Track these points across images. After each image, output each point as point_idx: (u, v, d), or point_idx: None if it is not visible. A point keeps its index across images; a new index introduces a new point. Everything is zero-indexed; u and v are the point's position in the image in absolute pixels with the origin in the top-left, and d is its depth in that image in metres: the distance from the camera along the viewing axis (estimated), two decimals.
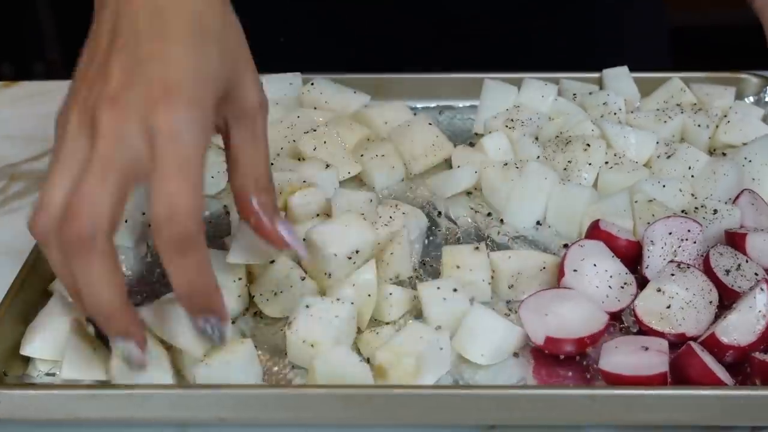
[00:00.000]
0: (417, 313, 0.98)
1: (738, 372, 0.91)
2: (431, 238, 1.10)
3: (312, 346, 0.91)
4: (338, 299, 0.94)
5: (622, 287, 0.98)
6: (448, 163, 1.21)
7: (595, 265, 0.98)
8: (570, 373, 0.92)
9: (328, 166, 1.13)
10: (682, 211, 1.06)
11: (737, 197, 1.08)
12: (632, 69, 1.30)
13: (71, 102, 0.81)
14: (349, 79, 1.30)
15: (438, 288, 0.96)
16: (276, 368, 0.94)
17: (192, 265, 0.79)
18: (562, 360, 0.93)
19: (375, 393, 0.87)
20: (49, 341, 0.92)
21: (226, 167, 0.88)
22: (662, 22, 1.52)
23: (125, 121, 0.77)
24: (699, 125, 1.20)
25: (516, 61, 1.33)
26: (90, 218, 0.76)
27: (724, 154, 1.18)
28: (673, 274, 0.96)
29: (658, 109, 1.24)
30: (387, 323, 0.98)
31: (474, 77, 1.30)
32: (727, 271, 0.98)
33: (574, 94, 1.28)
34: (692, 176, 1.13)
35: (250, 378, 0.90)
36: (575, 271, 0.98)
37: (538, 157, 1.16)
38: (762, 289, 0.91)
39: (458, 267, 1.00)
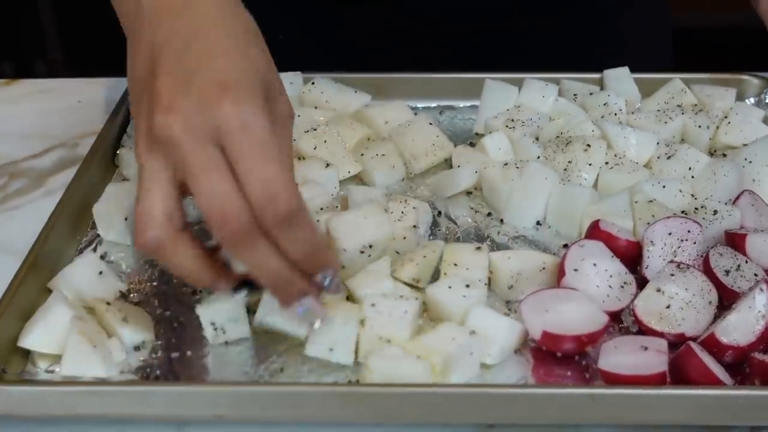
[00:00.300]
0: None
1: (737, 372, 0.91)
2: (431, 237, 1.10)
3: (389, 341, 0.91)
4: (402, 296, 0.95)
5: (623, 287, 0.98)
6: (448, 163, 1.21)
7: (595, 264, 0.98)
8: (569, 373, 0.92)
9: (328, 165, 1.14)
10: (682, 212, 1.06)
11: (737, 198, 1.08)
12: (634, 70, 1.31)
13: (136, 139, 0.84)
14: (349, 78, 1.30)
15: (449, 287, 0.96)
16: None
17: (306, 234, 0.83)
18: (561, 359, 0.93)
19: (373, 391, 0.87)
20: (47, 334, 0.92)
21: None
22: (665, 22, 1.52)
23: (194, 122, 0.80)
24: (700, 126, 1.20)
25: (517, 61, 1.33)
26: (232, 215, 0.80)
27: (724, 155, 1.18)
28: (672, 275, 0.96)
29: (658, 110, 1.24)
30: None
31: (475, 77, 1.30)
32: (727, 272, 0.98)
33: (575, 95, 1.28)
34: (692, 177, 1.13)
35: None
36: (576, 270, 0.98)
37: (539, 157, 1.16)
38: (761, 290, 0.91)
39: (456, 264, 1.00)
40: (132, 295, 1.01)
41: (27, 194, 1.21)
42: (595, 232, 1.03)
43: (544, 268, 1.01)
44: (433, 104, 1.33)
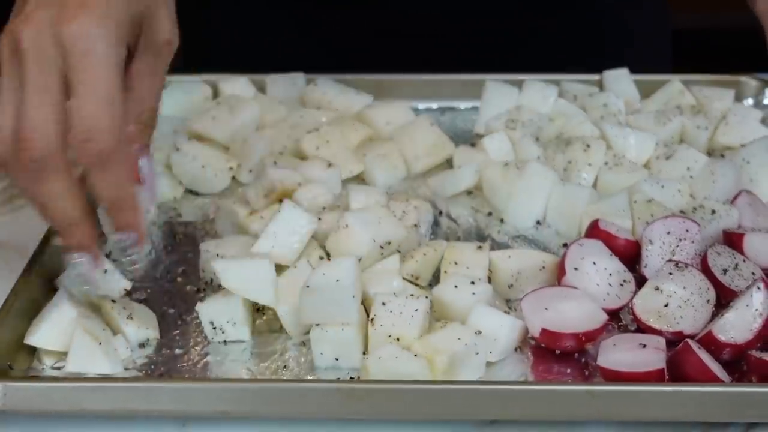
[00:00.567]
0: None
1: (734, 369, 0.92)
2: (432, 237, 1.11)
3: (398, 340, 0.91)
4: (412, 295, 0.95)
5: (622, 285, 0.99)
6: (449, 163, 1.22)
7: (594, 263, 0.99)
8: (568, 370, 0.93)
9: (330, 165, 1.15)
10: (681, 212, 1.07)
11: (735, 198, 1.09)
12: (633, 71, 1.32)
13: (4, 32, 0.84)
14: (351, 79, 1.31)
15: (456, 286, 0.97)
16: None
17: (113, 179, 0.84)
18: (560, 357, 0.94)
19: (375, 388, 0.88)
20: (53, 332, 0.93)
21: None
22: (664, 24, 1.53)
23: (41, 39, 0.81)
24: (698, 127, 1.21)
25: (517, 63, 1.34)
26: (39, 141, 0.80)
27: (722, 156, 1.19)
28: (671, 273, 0.97)
29: (657, 111, 1.25)
30: None
31: (476, 78, 1.31)
32: (725, 271, 0.99)
33: (575, 96, 1.29)
34: (691, 177, 1.14)
35: None
36: (576, 269, 0.99)
37: (539, 157, 1.17)
38: (758, 288, 0.92)
39: (456, 263, 1.01)
40: (136, 293, 1.02)
41: None
42: (594, 231, 1.04)
43: (543, 267, 1.02)
44: (435, 105, 1.34)
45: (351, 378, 0.92)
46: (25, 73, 0.81)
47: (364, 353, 0.93)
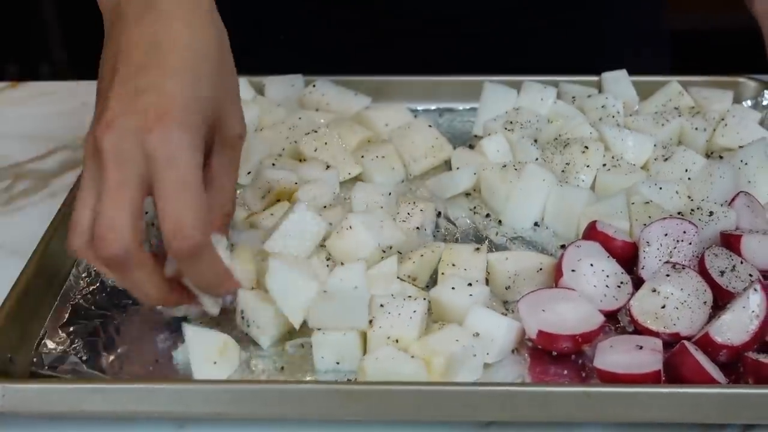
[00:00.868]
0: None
1: (731, 371, 0.92)
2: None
3: (397, 341, 0.92)
4: (410, 296, 0.96)
5: (619, 287, 0.99)
6: (447, 165, 1.22)
7: (591, 264, 0.99)
8: (565, 372, 0.93)
9: (328, 167, 1.15)
10: (679, 213, 1.07)
11: (733, 199, 1.09)
12: (631, 72, 1.32)
13: (86, 137, 0.89)
14: (350, 81, 1.32)
15: (453, 288, 0.97)
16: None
17: (205, 268, 0.89)
18: (557, 358, 0.94)
19: (373, 389, 0.88)
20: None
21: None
22: (662, 25, 1.53)
23: (123, 144, 0.85)
24: (696, 128, 1.21)
25: (516, 64, 1.34)
26: (117, 242, 0.84)
27: (720, 157, 1.19)
28: (668, 275, 0.97)
29: (656, 113, 1.25)
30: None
31: (474, 80, 1.31)
32: (722, 272, 0.99)
33: (573, 97, 1.29)
34: (689, 179, 1.14)
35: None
36: (573, 271, 0.99)
37: (537, 159, 1.17)
38: (755, 290, 0.92)
39: (454, 265, 1.01)
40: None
41: (31, 195, 1.22)
42: (592, 233, 1.04)
43: (541, 269, 1.02)
44: (433, 106, 1.35)
45: (349, 380, 0.92)
46: (105, 174, 0.85)
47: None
